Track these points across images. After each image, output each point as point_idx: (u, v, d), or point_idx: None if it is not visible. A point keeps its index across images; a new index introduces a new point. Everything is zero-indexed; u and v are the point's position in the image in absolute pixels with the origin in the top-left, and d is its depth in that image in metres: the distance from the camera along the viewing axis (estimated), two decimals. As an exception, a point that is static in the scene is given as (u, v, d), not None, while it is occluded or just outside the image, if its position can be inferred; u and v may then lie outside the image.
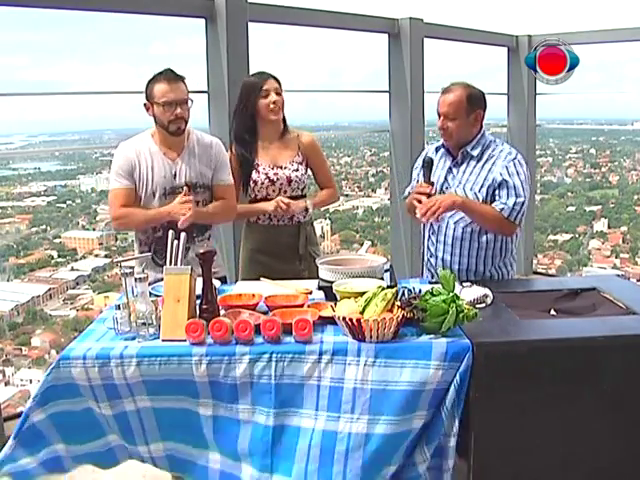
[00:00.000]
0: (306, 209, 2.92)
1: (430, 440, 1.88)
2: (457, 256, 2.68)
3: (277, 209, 2.82)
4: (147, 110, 2.61)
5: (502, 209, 2.54)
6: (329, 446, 1.87)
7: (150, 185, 2.61)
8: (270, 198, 2.89)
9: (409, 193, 2.88)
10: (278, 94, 2.86)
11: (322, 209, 5.06)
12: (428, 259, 2.81)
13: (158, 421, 1.92)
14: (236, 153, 2.91)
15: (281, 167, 2.90)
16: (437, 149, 2.76)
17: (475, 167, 2.63)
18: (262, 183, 2.88)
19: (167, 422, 1.92)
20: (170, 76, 2.55)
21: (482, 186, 2.59)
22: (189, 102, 2.59)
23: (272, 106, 2.84)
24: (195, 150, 2.66)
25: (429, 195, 2.52)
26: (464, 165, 2.66)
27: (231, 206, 2.76)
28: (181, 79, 2.58)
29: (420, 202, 2.50)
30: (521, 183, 2.56)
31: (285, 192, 2.90)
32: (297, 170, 2.91)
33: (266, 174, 2.88)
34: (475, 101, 2.60)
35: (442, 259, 2.72)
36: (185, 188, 2.60)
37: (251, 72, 3.84)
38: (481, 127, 2.66)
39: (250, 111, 2.87)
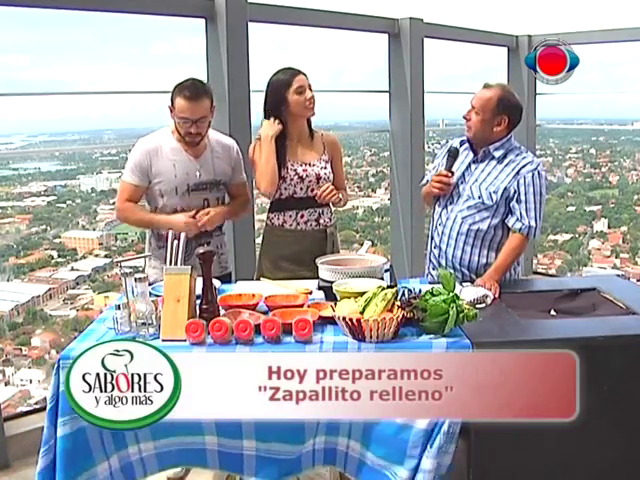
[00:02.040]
0: (340, 199, 2.86)
1: (433, 441, 1.87)
2: (459, 250, 2.69)
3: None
4: (170, 112, 2.66)
5: (520, 229, 2.58)
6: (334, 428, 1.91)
7: (172, 181, 2.67)
8: (297, 196, 2.82)
9: (427, 181, 2.91)
10: (311, 90, 2.79)
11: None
12: (432, 249, 2.82)
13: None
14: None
15: (310, 164, 2.85)
16: (462, 143, 2.75)
17: (494, 168, 2.65)
18: (291, 179, 2.81)
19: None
20: (192, 93, 2.57)
21: (497, 188, 2.61)
22: (209, 116, 2.64)
23: (308, 103, 2.78)
24: (217, 149, 2.75)
25: (448, 183, 2.65)
26: (483, 164, 2.67)
27: (248, 200, 2.97)
28: (204, 94, 2.60)
29: (439, 189, 2.66)
30: (535, 197, 2.60)
31: (312, 190, 2.82)
32: (325, 168, 2.87)
33: (295, 170, 2.82)
34: (505, 106, 2.59)
35: (445, 251, 2.73)
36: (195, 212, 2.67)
37: (250, 72, 3.88)
38: (508, 133, 2.65)
39: (280, 108, 2.78)
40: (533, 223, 2.59)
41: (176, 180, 2.67)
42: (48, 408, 1.87)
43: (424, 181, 2.96)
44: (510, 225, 2.62)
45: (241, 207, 2.92)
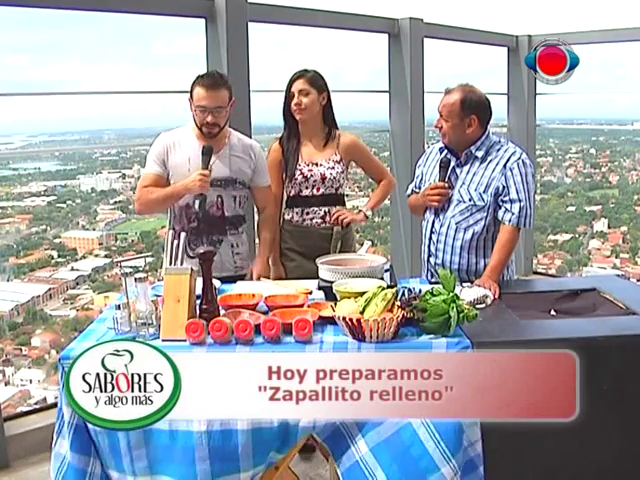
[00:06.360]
0: (366, 217, 3.04)
1: (453, 451, 1.84)
2: (457, 256, 2.68)
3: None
4: (190, 105, 2.67)
5: (510, 219, 2.57)
6: None
7: (185, 176, 2.63)
8: (303, 195, 2.94)
9: (413, 191, 2.90)
10: (305, 95, 2.88)
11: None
12: (427, 259, 2.81)
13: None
14: (282, 149, 2.97)
15: (317, 164, 2.93)
16: (441, 150, 2.75)
17: (479, 168, 2.64)
18: (296, 179, 2.92)
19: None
20: (210, 82, 2.60)
21: (487, 186, 2.60)
22: (228, 108, 2.64)
23: (294, 107, 2.90)
24: (236, 147, 2.74)
25: (444, 194, 2.64)
26: (468, 165, 2.66)
27: (274, 206, 2.93)
28: (223, 85, 2.62)
29: (438, 202, 2.64)
30: (523, 186, 2.58)
31: (318, 189, 2.94)
32: (333, 168, 2.95)
33: (300, 170, 2.92)
34: (470, 106, 2.58)
35: (442, 259, 2.72)
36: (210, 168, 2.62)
37: (250, 72, 3.88)
38: (485, 130, 2.65)
39: (287, 109, 2.95)
40: (524, 212, 2.57)
41: (189, 175, 2.62)
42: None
43: (409, 191, 2.94)
44: (500, 218, 2.61)
45: (272, 219, 2.93)
